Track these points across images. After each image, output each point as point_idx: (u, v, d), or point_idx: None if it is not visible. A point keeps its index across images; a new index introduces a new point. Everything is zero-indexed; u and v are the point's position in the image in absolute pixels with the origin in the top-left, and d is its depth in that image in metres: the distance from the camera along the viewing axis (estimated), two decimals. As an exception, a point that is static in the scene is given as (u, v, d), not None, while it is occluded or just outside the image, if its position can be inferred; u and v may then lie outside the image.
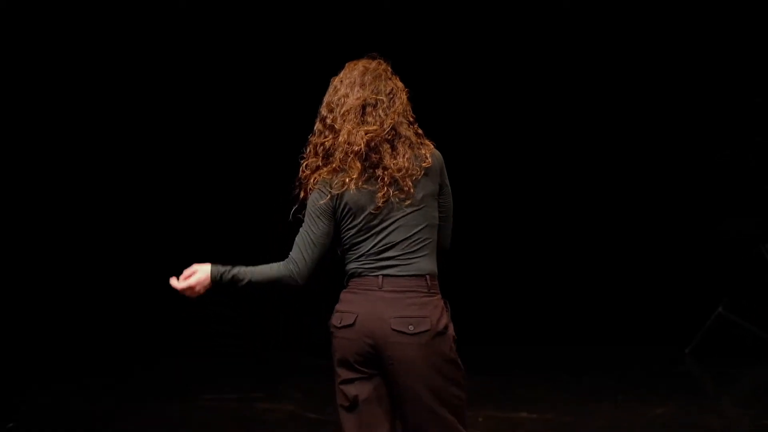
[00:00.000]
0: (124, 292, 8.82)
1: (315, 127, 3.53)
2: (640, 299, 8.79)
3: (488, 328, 8.45)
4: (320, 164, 3.47)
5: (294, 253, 3.47)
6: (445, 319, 3.46)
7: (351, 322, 3.43)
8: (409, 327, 3.39)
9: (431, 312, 3.43)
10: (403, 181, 3.41)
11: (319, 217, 3.47)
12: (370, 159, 3.42)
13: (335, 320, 3.48)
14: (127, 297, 8.80)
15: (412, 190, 3.42)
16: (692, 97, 8.62)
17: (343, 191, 3.44)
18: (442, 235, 3.57)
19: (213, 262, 3.53)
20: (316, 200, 3.46)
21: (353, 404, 3.46)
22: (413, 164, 3.43)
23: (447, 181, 3.56)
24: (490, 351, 8.00)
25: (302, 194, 3.50)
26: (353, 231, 3.47)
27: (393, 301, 3.42)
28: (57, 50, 8.56)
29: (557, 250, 9.10)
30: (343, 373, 3.47)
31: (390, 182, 3.41)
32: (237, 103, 8.89)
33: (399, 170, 3.41)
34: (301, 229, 3.50)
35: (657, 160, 8.84)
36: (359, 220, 3.45)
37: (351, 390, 3.46)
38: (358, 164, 3.41)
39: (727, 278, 8.18)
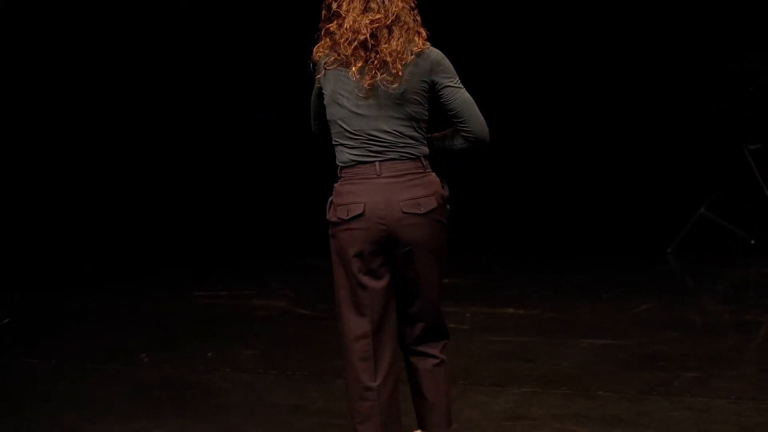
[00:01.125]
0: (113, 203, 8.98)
1: (322, 13, 3.55)
2: (623, 205, 8.90)
3: (476, 238, 8.54)
4: (328, 46, 3.52)
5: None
6: (446, 192, 3.59)
7: (360, 211, 3.49)
8: (420, 208, 3.50)
9: (435, 189, 3.55)
10: (393, 65, 3.43)
11: (316, 87, 3.63)
12: (369, 45, 3.46)
13: (341, 213, 3.52)
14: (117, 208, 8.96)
15: (401, 74, 3.44)
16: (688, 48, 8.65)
17: (334, 69, 3.50)
18: (470, 129, 3.56)
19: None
20: (316, 75, 3.58)
21: (363, 299, 3.55)
22: (406, 49, 3.46)
23: (447, 80, 3.53)
24: (477, 258, 8.10)
25: (317, 75, 3.58)
26: (339, 113, 3.53)
27: (396, 185, 3.49)
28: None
29: (541, 161, 9.18)
30: (358, 269, 3.54)
31: (379, 65, 3.44)
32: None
33: (391, 54, 3.43)
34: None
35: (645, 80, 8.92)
36: (346, 102, 3.50)
37: (363, 283, 3.54)
38: (362, 53, 3.45)
39: (709, 179, 8.27)
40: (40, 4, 8.58)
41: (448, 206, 3.60)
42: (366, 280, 3.54)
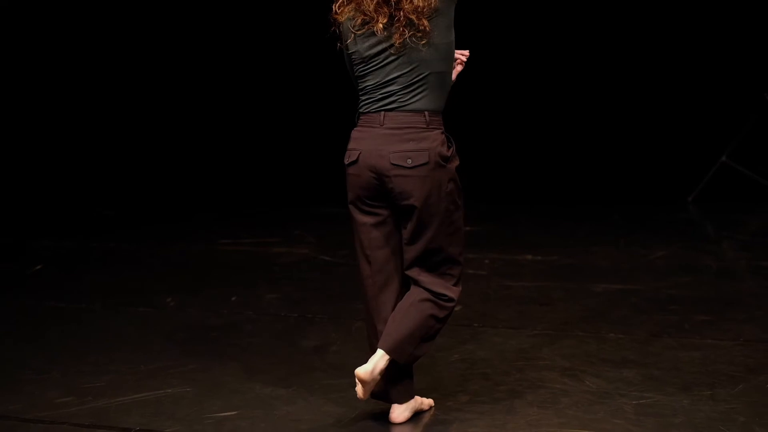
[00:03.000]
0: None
1: None
2: (644, 154, 8.92)
3: (493, 187, 8.61)
4: (352, 7, 3.59)
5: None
6: (445, 152, 3.61)
7: (355, 159, 3.64)
8: (408, 161, 3.57)
9: (430, 145, 3.59)
10: (419, 22, 3.51)
11: (345, 53, 3.69)
12: (391, 2, 3.54)
13: (345, 158, 3.71)
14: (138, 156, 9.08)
15: (428, 29, 3.53)
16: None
17: (364, 32, 3.58)
18: None
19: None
20: (344, 40, 3.64)
21: (368, 241, 3.68)
22: (425, 4, 3.53)
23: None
24: (496, 206, 8.17)
25: (346, 41, 3.64)
26: (362, 65, 3.64)
27: (392, 137, 3.59)
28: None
29: (561, 108, 9.21)
30: (357, 210, 3.70)
31: (406, 23, 3.52)
32: None
33: (414, 11, 3.51)
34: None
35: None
36: (374, 59, 3.60)
37: (365, 226, 3.68)
38: (385, 9, 3.53)
39: (730, 128, 8.28)
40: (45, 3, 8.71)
41: (449, 165, 3.61)
42: (366, 219, 3.68)
